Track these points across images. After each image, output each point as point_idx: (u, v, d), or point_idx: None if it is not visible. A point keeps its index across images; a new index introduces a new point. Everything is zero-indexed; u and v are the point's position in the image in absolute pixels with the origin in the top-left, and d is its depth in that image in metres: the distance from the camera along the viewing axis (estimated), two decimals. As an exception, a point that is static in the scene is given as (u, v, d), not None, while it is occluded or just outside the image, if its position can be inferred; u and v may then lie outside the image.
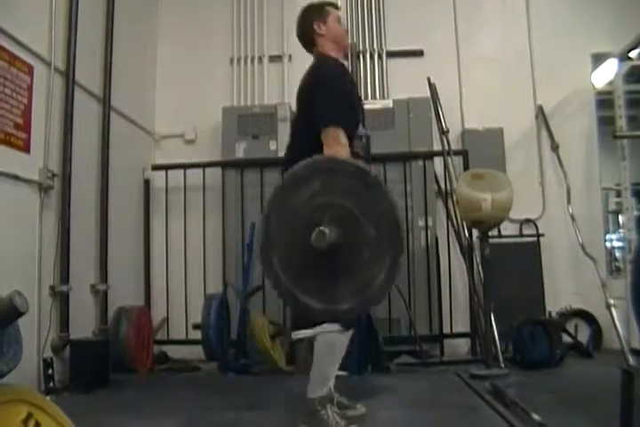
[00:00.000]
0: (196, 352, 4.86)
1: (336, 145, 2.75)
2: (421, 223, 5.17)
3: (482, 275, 4.61)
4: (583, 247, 4.97)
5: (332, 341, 2.77)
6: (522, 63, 5.74)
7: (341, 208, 2.37)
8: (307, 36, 3.16)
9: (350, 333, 2.84)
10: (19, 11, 3.74)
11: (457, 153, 5.29)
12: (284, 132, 5.41)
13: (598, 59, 5.52)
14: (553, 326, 4.59)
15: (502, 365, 4.23)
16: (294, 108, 5.23)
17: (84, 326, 4.35)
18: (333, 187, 2.40)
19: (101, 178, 4.77)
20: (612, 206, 6.64)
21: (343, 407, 2.95)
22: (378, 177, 2.47)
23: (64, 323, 4.04)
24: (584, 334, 5.17)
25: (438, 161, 5.33)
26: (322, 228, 2.31)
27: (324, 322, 2.72)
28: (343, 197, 2.38)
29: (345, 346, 2.84)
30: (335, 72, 3.03)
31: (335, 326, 2.72)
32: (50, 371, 3.80)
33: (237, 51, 6.04)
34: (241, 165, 5.41)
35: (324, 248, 2.31)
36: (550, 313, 5.13)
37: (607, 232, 6.10)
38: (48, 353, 3.85)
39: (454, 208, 4.97)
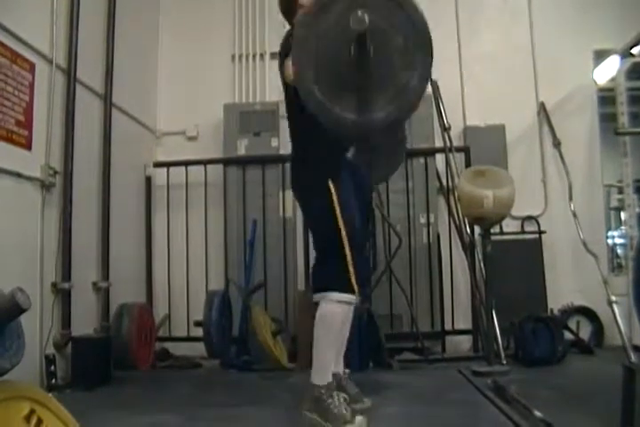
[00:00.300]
0: (198, 349, 4.87)
1: None
2: (423, 220, 5.17)
3: (483, 272, 4.62)
4: (585, 244, 4.96)
5: (330, 323, 2.78)
6: (523, 60, 5.73)
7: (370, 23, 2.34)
8: (291, 9, 3.09)
9: (352, 308, 2.85)
10: (20, 8, 3.74)
11: (458, 150, 5.28)
12: (286, 129, 5.37)
13: (600, 55, 5.51)
14: (555, 322, 4.59)
15: (504, 361, 4.23)
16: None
17: (85, 323, 4.35)
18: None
19: (103, 175, 4.77)
20: (614, 203, 6.63)
21: (352, 401, 2.96)
22: None
23: (66, 320, 4.04)
24: (586, 331, 5.17)
25: (440, 158, 5.33)
26: (359, 12, 2.29)
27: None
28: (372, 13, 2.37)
29: (345, 328, 2.88)
30: None
31: (345, 296, 2.74)
32: (52, 368, 3.81)
33: (239, 47, 6.03)
34: (242, 162, 5.41)
35: (363, 30, 2.30)
36: (552, 310, 5.13)
37: (609, 229, 6.10)
38: (50, 350, 3.86)
39: (456, 205, 4.97)
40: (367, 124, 2.51)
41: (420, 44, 2.47)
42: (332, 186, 2.81)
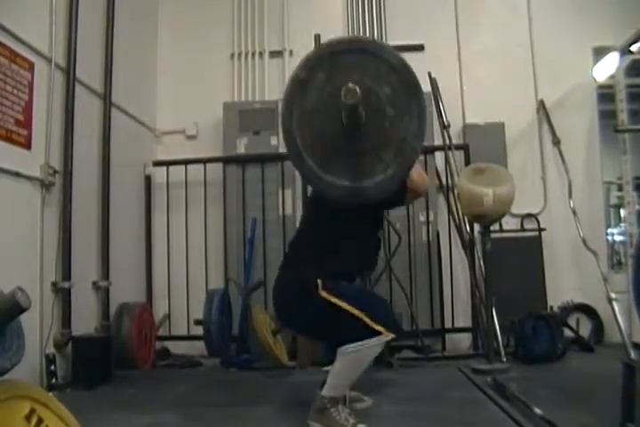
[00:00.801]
0: (198, 348, 4.89)
1: None
2: (422, 218, 5.18)
3: (483, 270, 4.62)
4: (584, 241, 4.96)
5: (363, 358, 2.76)
6: (523, 57, 5.72)
7: (359, 82, 2.37)
8: None
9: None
10: (19, 7, 3.74)
11: (458, 148, 5.28)
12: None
13: (600, 52, 5.50)
14: (554, 320, 4.60)
15: (504, 359, 4.24)
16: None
17: (85, 322, 4.35)
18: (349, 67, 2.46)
19: (102, 174, 4.77)
20: (614, 200, 6.62)
21: (352, 401, 2.97)
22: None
23: (66, 319, 4.04)
24: (585, 329, 5.18)
25: (439, 156, 5.33)
26: (350, 84, 2.31)
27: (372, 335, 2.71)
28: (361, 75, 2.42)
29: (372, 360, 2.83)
30: None
31: (382, 339, 2.72)
32: (52, 367, 3.81)
33: (238, 46, 6.03)
34: (242, 161, 5.42)
35: (355, 103, 2.31)
36: (552, 307, 5.14)
37: (608, 226, 6.09)
38: (50, 349, 3.86)
39: (455, 203, 4.97)
40: (360, 190, 2.52)
41: (409, 85, 2.46)
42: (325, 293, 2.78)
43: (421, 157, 5.20)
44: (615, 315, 4.42)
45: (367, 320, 2.69)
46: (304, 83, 2.51)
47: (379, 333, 2.69)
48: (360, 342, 2.69)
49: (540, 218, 5.52)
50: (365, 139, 2.49)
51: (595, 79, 5.62)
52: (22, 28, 3.73)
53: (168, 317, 5.45)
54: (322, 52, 2.61)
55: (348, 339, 2.72)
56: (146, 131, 5.78)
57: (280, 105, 5.27)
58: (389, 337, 2.73)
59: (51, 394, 2.26)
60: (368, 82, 2.42)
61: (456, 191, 4.61)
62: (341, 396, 2.79)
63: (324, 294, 2.75)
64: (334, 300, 2.73)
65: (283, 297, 2.98)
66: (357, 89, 2.29)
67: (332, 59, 2.50)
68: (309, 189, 3.22)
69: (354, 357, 2.72)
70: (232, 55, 6.03)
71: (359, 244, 2.97)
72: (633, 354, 4.12)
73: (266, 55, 6.00)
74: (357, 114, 2.39)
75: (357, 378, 2.82)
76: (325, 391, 2.76)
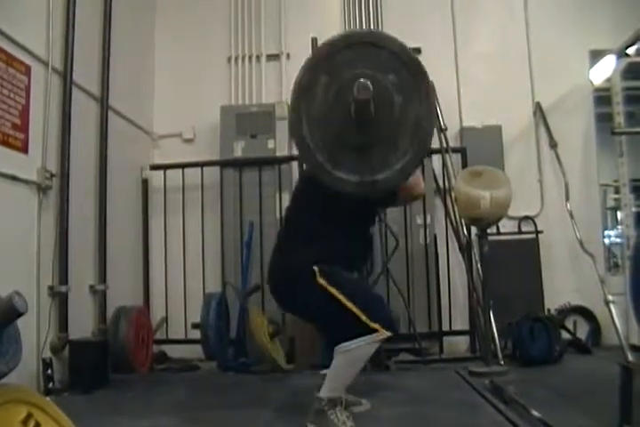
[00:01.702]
0: (196, 351, 4.87)
1: None
2: (420, 221, 5.18)
3: (480, 272, 4.61)
4: (582, 244, 4.97)
5: (361, 357, 2.76)
6: (520, 60, 5.74)
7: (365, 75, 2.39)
8: None
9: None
10: (16, 11, 3.74)
11: (455, 151, 5.29)
12: (282, 130, 5.43)
13: (596, 55, 5.52)
14: (552, 322, 4.60)
15: (501, 362, 4.24)
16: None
17: (83, 326, 4.35)
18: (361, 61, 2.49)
19: (100, 178, 4.76)
20: (611, 203, 6.63)
21: (350, 404, 2.96)
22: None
23: (63, 323, 4.03)
24: (583, 331, 5.19)
25: (437, 159, 5.33)
26: (362, 79, 2.32)
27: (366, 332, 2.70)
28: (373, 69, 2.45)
29: (367, 359, 2.83)
30: None
31: (378, 337, 2.71)
32: (49, 371, 3.80)
33: (235, 49, 6.03)
34: (239, 164, 5.41)
35: (368, 98, 2.33)
36: (549, 310, 5.15)
37: (605, 229, 6.10)
38: (47, 354, 3.85)
39: (453, 206, 4.97)
40: (369, 184, 2.53)
41: (411, 65, 2.49)
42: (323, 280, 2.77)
43: (418, 160, 5.22)
44: (612, 317, 4.42)
45: (364, 317, 2.68)
46: (308, 87, 2.53)
47: (375, 330, 2.68)
48: (356, 340, 2.68)
49: (537, 220, 5.52)
50: (377, 131, 2.51)
51: (591, 82, 5.63)
52: (19, 31, 3.73)
53: (165, 320, 5.45)
54: (320, 54, 2.62)
55: (343, 333, 2.73)
56: (143, 134, 5.78)
57: (276, 111, 5.39)
58: (385, 335, 2.72)
59: (48, 398, 2.26)
60: (373, 73, 2.45)
61: (453, 194, 4.62)
62: (339, 397, 2.77)
63: (321, 281, 2.74)
64: (332, 290, 2.72)
65: (279, 282, 2.98)
66: (369, 84, 2.30)
67: (331, 58, 2.51)
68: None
69: (350, 355, 2.72)
70: (229, 58, 6.03)
71: (352, 231, 2.97)
72: (630, 356, 4.12)
73: (263, 59, 6.01)
74: (369, 109, 2.40)
75: (354, 379, 2.81)
76: (323, 393, 2.75)
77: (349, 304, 2.70)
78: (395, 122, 2.51)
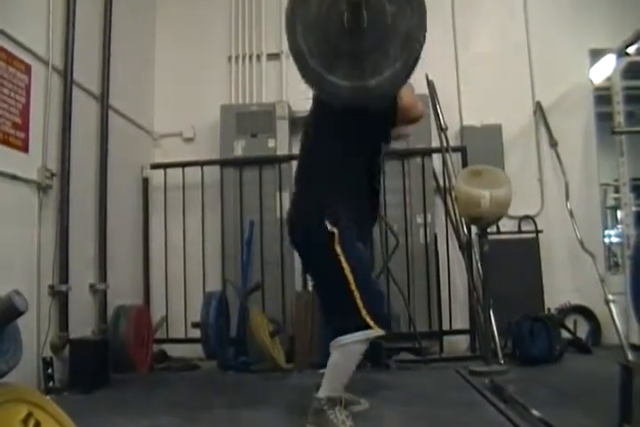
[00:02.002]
0: (196, 351, 4.87)
1: None
2: (420, 220, 5.18)
3: (481, 271, 4.61)
4: (582, 243, 4.97)
5: (354, 353, 2.75)
6: (520, 59, 5.73)
7: None
8: None
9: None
10: (16, 10, 3.74)
11: (455, 150, 5.28)
12: (283, 130, 5.43)
13: (596, 54, 5.51)
14: (552, 321, 4.60)
15: (501, 361, 4.24)
16: (293, 106, 5.24)
17: (83, 325, 4.35)
18: None
19: (100, 177, 4.76)
20: (611, 202, 6.63)
21: (349, 404, 2.96)
22: None
23: (63, 322, 4.04)
24: (583, 330, 5.19)
25: (437, 158, 5.34)
26: None
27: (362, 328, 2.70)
28: None
29: (362, 354, 2.81)
30: None
31: (371, 333, 2.70)
32: (49, 370, 3.80)
33: (235, 49, 6.03)
34: (239, 164, 5.42)
35: (360, 0, 2.32)
36: (549, 309, 5.14)
37: (605, 228, 6.10)
38: (47, 353, 3.85)
39: (453, 205, 4.97)
40: (362, 90, 2.50)
41: None
42: (336, 234, 2.75)
43: (418, 159, 5.22)
44: (612, 316, 4.42)
45: (363, 312, 2.67)
46: None
47: (369, 326, 2.68)
48: (349, 335, 2.68)
49: (537, 220, 5.52)
50: (369, 37, 2.48)
51: (591, 81, 5.62)
52: (19, 30, 3.73)
53: (165, 319, 5.45)
54: None
55: (339, 319, 2.76)
56: (143, 133, 5.78)
57: (276, 110, 5.38)
58: (378, 333, 2.71)
59: (48, 397, 2.26)
60: None
61: (453, 193, 4.62)
62: (338, 397, 2.77)
63: (337, 249, 2.72)
64: (344, 265, 2.71)
65: (297, 238, 2.99)
66: None
67: None
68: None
69: (345, 350, 2.72)
70: (229, 58, 6.03)
71: (360, 179, 2.97)
72: (630, 355, 4.12)
73: (263, 58, 6.00)
74: (360, 12, 2.39)
75: (351, 376, 2.80)
76: (322, 393, 2.74)
77: (355, 290, 2.69)
78: (386, 30, 2.50)
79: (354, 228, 2.84)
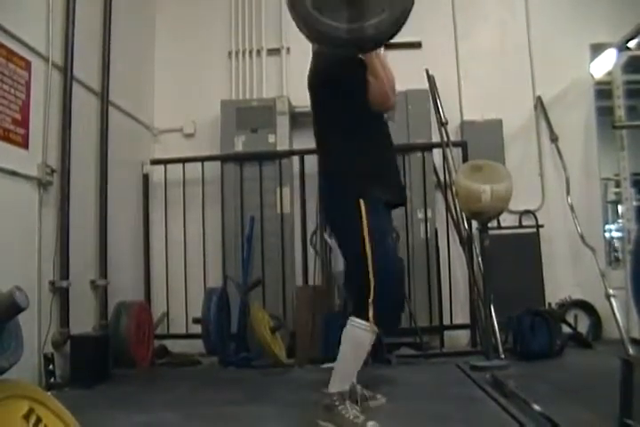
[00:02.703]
0: (197, 346, 4.88)
1: None
2: (421, 215, 5.17)
3: (481, 266, 4.62)
4: (582, 238, 4.98)
5: (359, 340, 2.73)
6: (520, 54, 5.72)
7: None
8: None
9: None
10: (16, 6, 3.73)
11: (456, 144, 5.28)
12: (283, 125, 5.43)
13: (597, 49, 5.50)
14: (553, 316, 4.60)
15: (502, 356, 4.24)
16: (293, 101, 5.22)
17: (84, 321, 4.36)
18: None
19: (100, 173, 4.76)
20: (612, 197, 6.63)
21: (365, 399, 2.96)
22: None
23: (64, 318, 4.04)
24: (584, 325, 5.19)
25: (437, 153, 5.34)
26: None
27: None
28: None
29: (371, 344, 2.78)
30: None
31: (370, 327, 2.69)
32: (50, 366, 3.81)
33: (236, 44, 6.02)
34: (240, 159, 5.41)
35: None
36: (550, 304, 5.15)
37: (606, 222, 6.10)
38: (49, 349, 3.86)
39: (453, 200, 4.98)
40: (359, 31, 2.49)
41: None
42: (362, 206, 2.76)
43: (419, 154, 5.21)
44: (613, 311, 4.43)
45: (370, 312, 2.66)
46: None
47: (367, 317, 2.67)
48: (358, 321, 2.68)
49: (537, 214, 5.52)
50: None
51: (592, 76, 5.61)
52: (19, 26, 3.72)
53: (166, 315, 5.45)
54: None
55: (354, 290, 2.81)
56: (143, 129, 5.77)
57: (277, 102, 5.40)
58: (369, 329, 2.69)
59: (49, 393, 2.26)
60: None
61: (454, 188, 4.62)
62: (347, 391, 2.74)
63: (364, 222, 2.74)
64: (368, 248, 2.71)
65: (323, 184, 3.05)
66: None
67: None
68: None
69: (352, 336, 2.72)
70: (230, 53, 6.02)
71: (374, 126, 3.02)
72: (631, 350, 4.13)
73: (263, 53, 6.00)
74: None
75: (359, 369, 2.79)
76: (331, 387, 2.72)
77: (372, 279, 2.69)
78: None
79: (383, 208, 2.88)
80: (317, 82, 3.04)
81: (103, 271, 4.70)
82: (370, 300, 2.67)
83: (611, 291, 4.50)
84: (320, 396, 2.76)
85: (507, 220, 5.39)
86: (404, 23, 2.58)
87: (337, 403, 2.67)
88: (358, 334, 2.72)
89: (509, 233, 5.42)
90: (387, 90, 2.90)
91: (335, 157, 2.98)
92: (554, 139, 5.52)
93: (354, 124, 2.93)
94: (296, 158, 5.33)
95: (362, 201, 2.75)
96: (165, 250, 5.53)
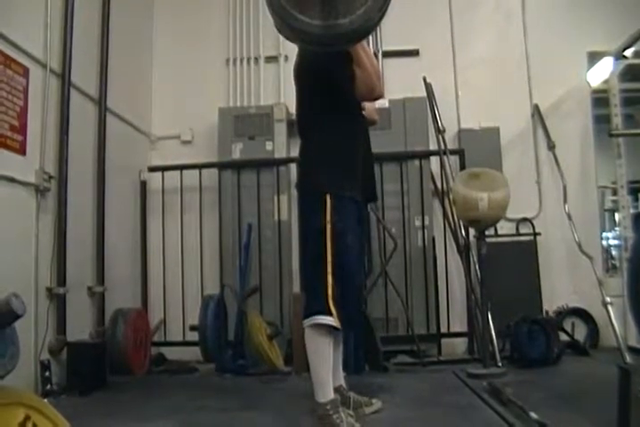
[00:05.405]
0: (194, 354, 4.87)
1: None
2: (418, 223, 5.18)
3: (479, 274, 4.62)
4: (580, 246, 4.98)
5: (316, 345, 2.73)
6: (517, 62, 5.74)
7: None
8: None
9: (339, 335, 2.80)
10: (14, 12, 3.73)
11: (453, 152, 5.29)
12: (281, 132, 5.44)
13: (594, 57, 5.53)
14: (550, 324, 4.60)
15: (500, 364, 4.24)
16: (291, 108, 5.23)
17: (80, 328, 4.34)
18: None
19: (98, 180, 4.76)
20: (609, 205, 6.66)
21: (360, 406, 2.95)
22: None
23: (61, 325, 4.03)
24: (581, 333, 5.18)
25: (435, 160, 5.34)
26: None
27: None
28: None
29: (331, 348, 2.76)
30: None
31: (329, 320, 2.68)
32: (47, 373, 3.79)
33: (233, 51, 6.03)
34: (237, 166, 5.41)
35: None
36: (547, 312, 5.14)
37: (603, 230, 6.12)
38: (45, 355, 3.84)
39: (451, 207, 4.98)
40: (334, 28, 2.45)
41: None
42: (329, 201, 2.76)
43: (416, 162, 5.22)
44: (610, 319, 4.43)
45: (330, 304, 2.67)
46: None
47: (329, 312, 2.66)
48: (310, 318, 2.70)
49: (535, 222, 5.52)
50: None
51: (589, 84, 5.63)
52: (17, 33, 3.73)
53: (163, 322, 5.44)
54: None
55: (308, 293, 2.81)
56: (141, 136, 5.77)
57: (275, 109, 5.41)
58: (335, 323, 2.68)
59: (45, 400, 2.26)
60: None
61: (451, 196, 4.62)
62: (338, 398, 2.74)
63: (329, 200, 2.75)
64: (329, 244, 2.71)
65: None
66: None
67: None
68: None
69: (310, 335, 2.73)
70: (227, 60, 6.03)
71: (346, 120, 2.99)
72: (628, 358, 4.13)
73: (261, 60, 6.00)
74: None
75: (329, 369, 2.75)
76: (317, 396, 2.71)
77: (330, 270, 2.70)
78: None
79: (352, 206, 2.87)
80: (302, 72, 3.06)
81: (100, 278, 4.68)
82: (330, 302, 2.68)
83: (608, 299, 4.51)
84: (315, 405, 2.74)
85: (504, 227, 5.39)
86: (378, 18, 2.57)
87: (331, 412, 2.65)
88: (311, 336, 2.73)
89: (507, 241, 5.42)
90: (373, 79, 2.89)
91: (308, 150, 3.04)
92: (551, 147, 5.53)
93: (330, 117, 2.94)
94: (293, 166, 5.33)
95: (328, 196, 2.76)
96: (163, 257, 5.52)
